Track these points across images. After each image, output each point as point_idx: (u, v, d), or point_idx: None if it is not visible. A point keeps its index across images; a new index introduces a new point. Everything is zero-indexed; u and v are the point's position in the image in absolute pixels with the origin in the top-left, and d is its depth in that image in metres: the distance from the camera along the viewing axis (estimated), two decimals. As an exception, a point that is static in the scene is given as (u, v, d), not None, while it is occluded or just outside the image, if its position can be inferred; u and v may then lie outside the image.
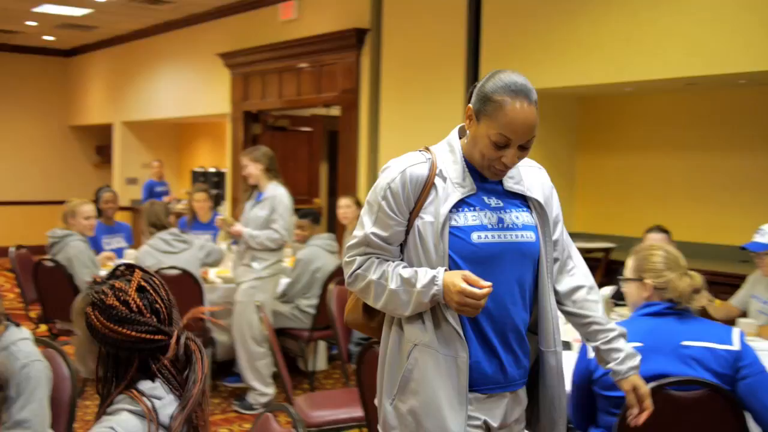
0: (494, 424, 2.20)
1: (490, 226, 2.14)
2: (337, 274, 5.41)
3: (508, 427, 2.25)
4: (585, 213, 7.36)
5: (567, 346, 3.76)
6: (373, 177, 8.05)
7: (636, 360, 2.26)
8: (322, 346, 6.36)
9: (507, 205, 2.20)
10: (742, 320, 4.08)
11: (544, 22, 6.38)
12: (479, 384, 2.16)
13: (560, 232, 2.33)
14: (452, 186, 2.15)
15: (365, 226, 2.19)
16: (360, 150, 8.14)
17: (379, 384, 2.29)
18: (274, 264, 5.43)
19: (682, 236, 5.51)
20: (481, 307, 2.02)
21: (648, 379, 2.62)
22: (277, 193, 5.33)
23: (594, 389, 2.75)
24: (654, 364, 2.64)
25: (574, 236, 7.18)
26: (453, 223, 2.13)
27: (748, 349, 2.72)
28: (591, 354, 2.74)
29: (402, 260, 2.20)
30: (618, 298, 4.47)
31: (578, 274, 2.32)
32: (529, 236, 2.19)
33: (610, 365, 2.25)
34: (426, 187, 2.15)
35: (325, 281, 5.57)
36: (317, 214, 6.61)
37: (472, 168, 2.19)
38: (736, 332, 2.75)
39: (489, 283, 2.01)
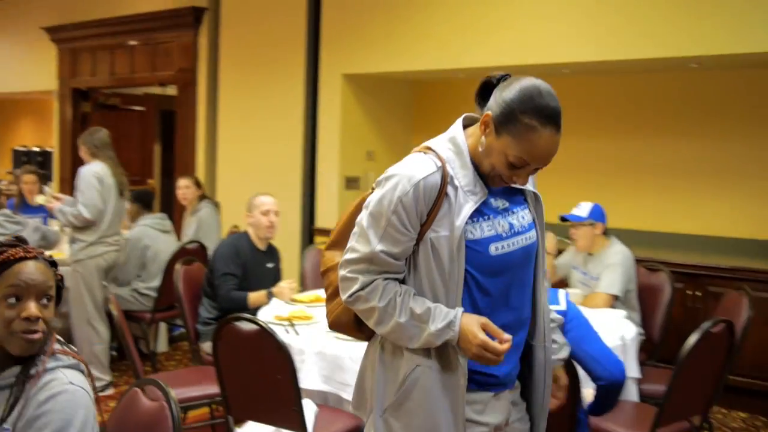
0: (499, 420, 2.12)
1: (504, 235, 2.03)
2: (181, 254, 5.37)
3: (511, 425, 2.17)
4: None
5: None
6: (211, 157, 8.00)
7: (564, 353, 2.29)
8: (162, 327, 6.29)
9: (511, 205, 2.09)
10: (569, 290, 4.43)
11: (383, 8, 6.57)
12: (488, 385, 2.08)
13: None
14: (464, 195, 1.99)
15: (371, 243, 1.99)
16: (198, 130, 8.05)
17: (361, 390, 2.21)
18: (91, 246, 5.28)
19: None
20: (499, 361, 1.94)
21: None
22: (82, 170, 5.24)
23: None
24: (499, 329, 2.87)
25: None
26: (469, 236, 1.98)
27: (571, 306, 3.02)
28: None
29: (405, 275, 2.05)
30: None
31: None
32: (532, 236, 2.09)
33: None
34: (439, 198, 1.97)
35: (168, 261, 5.51)
36: (151, 194, 6.51)
37: (477, 169, 2.04)
38: (562, 293, 3.06)
39: (509, 337, 1.94)
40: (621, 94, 6.50)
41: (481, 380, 2.05)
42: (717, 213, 6.00)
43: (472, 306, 2.02)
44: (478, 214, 2.00)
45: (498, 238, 2.01)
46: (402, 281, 2.06)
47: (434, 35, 6.30)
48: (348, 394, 3.46)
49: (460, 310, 1.97)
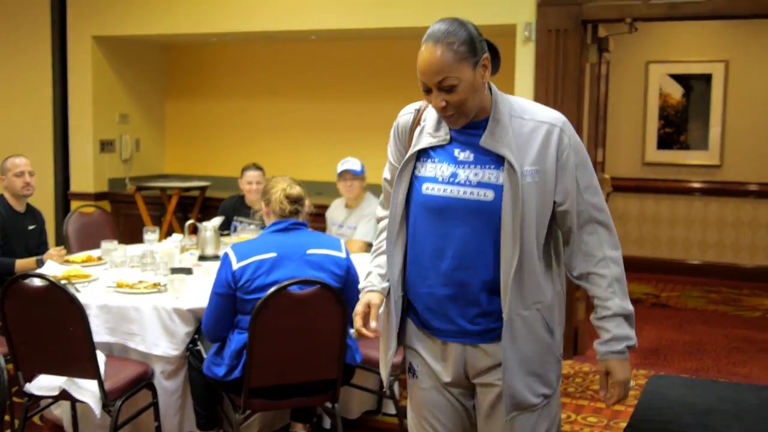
0: (442, 369, 2.26)
1: (440, 180, 2.17)
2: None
3: (481, 387, 2.26)
4: (177, 155, 7.79)
5: (188, 271, 4.23)
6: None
7: (619, 346, 2.16)
8: None
9: (477, 161, 2.15)
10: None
11: (135, -29, 6.60)
12: (428, 328, 2.27)
13: (573, 200, 2.16)
14: (425, 135, 2.21)
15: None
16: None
17: None
18: None
19: (274, 173, 6.23)
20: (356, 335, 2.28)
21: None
22: None
23: (238, 294, 3.29)
24: (287, 271, 3.28)
25: (168, 178, 7.49)
26: (416, 172, 2.22)
27: (349, 257, 3.48)
28: (235, 264, 3.27)
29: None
30: (222, 229, 5.04)
31: (590, 244, 2.19)
32: (484, 195, 2.13)
33: (595, 342, 2.22)
34: (410, 135, 2.27)
35: None
36: None
37: None
38: (341, 242, 3.50)
39: (370, 333, 2.24)
40: (365, 58, 7.04)
41: (423, 320, 2.28)
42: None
43: (412, 237, 2.24)
44: (426, 155, 2.22)
45: (433, 180, 2.19)
46: None
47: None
48: (134, 343, 3.70)
49: (371, 287, 2.32)
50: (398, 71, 6.87)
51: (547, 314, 2.17)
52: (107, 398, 3.35)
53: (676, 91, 8.15)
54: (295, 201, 3.46)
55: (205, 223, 4.72)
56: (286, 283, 3.20)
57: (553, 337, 2.20)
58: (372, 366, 3.80)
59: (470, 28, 2.09)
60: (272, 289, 3.19)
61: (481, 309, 2.18)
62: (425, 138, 2.22)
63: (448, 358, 2.25)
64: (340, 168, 5.06)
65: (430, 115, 2.24)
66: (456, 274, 2.17)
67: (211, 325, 3.39)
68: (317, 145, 7.19)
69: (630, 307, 2.17)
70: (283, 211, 3.44)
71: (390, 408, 4.32)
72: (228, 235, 5.17)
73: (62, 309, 3.28)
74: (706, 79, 8.01)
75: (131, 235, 6.04)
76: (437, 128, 2.21)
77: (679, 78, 8.15)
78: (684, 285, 7.79)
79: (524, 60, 5.42)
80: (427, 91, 2.10)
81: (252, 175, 5.33)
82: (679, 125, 8.18)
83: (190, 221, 4.95)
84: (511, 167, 2.09)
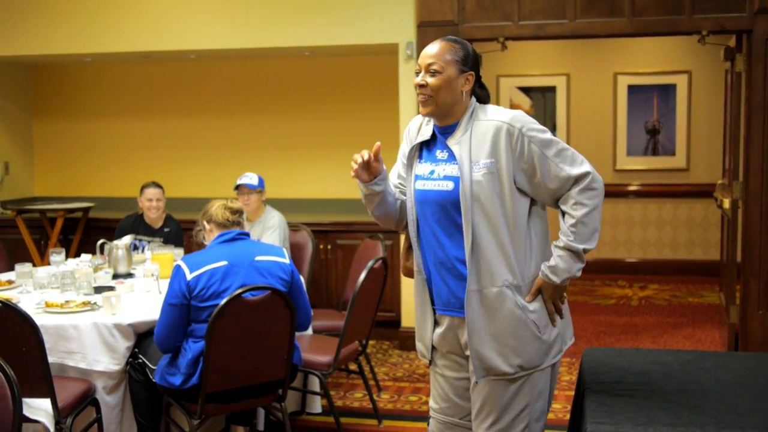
0: (435, 338, 2.66)
1: (424, 176, 2.59)
2: None
3: (450, 354, 2.66)
4: (48, 177, 7.62)
5: (112, 289, 4.30)
6: None
7: (555, 277, 2.49)
8: None
9: (449, 158, 2.55)
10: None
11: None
12: (435, 303, 2.64)
13: (546, 172, 2.47)
14: (420, 135, 2.64)
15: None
16: None
17: None
18: None
19: (172, 192, 6.30)
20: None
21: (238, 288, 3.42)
22: None
23: (192, 303, 3.43)
24: (239, 278, 3.47)
25: (39, 200, 7.31)
26: (415, 170, 2.63)
27: (292, 263, 3.71)
28: (189, 275, 3.42)
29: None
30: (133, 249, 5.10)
31: (570, 192, 2.50)
32: (446, 185, 2.52)
33: (543, 262, 2.56)
34: (417, 132, 2.67)
35: None
36: None
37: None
38: (284, 250, 3.73)
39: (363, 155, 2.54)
40: (246, 77, 7.19)
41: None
42: (325, 179, 7.05)
43: (428, 227, 2.59)
44: (420, 156, 2.66)
45: (420, 177, 2.63)
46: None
47: (62, 20, 6.38)
48: (74, 361, 3.76)
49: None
50: (281, 89, 7.11)
51: (517, 292, 2.48)
52: (60, 415, 3.41)
53: (524, 102, 8.87)
54: (236, 212, 3.69)
55: (116, 242, 4.78)
56: (240, 290, 3.40)
57: (525, 314, 2.49)
58: (310, 368, 4.06)
59: (471, 50, 2.58)
60: (227, 297, 3.37)
61: (457, 283, 2.54)
62: (417, 137, 2.66)
63: (441, 329, 2.63)
64: (236, 183, 5.26)
65: (431, 122, 2.64)
66: (438, 255, 2.56)
67: (164, 336, 3.51)
68: (201, 162, 7.27)
69: (580, 246, 2.49)
70: (227, 221, 3.64)
71: (314, 407, 4.56)
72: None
73: (14, 330, 3.31)
74: (551, 90, 8.78)
75: (10, 260, 5.92)
76: (429, 130, 2.64)
77: (526, 90, 8.87)
78: (542, 280, 8.44)
79: (407, 76, 5.81)
80: (417, 73, 2.54)
81: (152, 192, 5.41)
82: (528, 133, 8.87)
83: (101, 241, 4.97)
84: (460, 161, 2.49)
